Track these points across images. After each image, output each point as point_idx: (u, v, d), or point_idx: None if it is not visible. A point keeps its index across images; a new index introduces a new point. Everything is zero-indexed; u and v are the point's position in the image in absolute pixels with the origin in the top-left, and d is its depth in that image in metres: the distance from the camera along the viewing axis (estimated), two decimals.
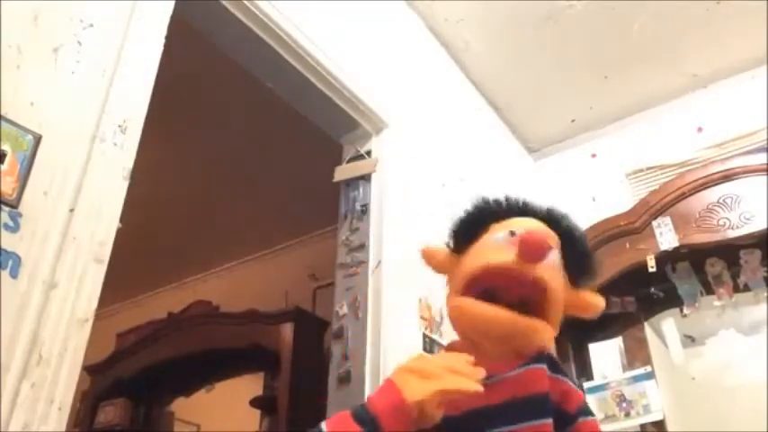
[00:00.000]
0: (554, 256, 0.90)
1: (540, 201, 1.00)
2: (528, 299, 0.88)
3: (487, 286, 0.88)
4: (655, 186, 2.51)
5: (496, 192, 1.02)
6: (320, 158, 2.15)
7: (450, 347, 0.96)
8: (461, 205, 1.01)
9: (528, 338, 0.87)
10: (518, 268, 0.86)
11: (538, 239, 0.87)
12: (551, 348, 0.92)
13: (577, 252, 0.95)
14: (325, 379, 1.80)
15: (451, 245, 0.98)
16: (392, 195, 2.00)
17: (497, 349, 0.87)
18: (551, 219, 0.97)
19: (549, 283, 0.87)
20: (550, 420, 0.85)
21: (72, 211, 1.10)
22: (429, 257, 0.99)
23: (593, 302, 0.94)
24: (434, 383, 0.76)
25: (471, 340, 0.90)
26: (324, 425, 0.77)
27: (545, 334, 0.88)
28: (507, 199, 1.00)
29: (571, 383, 0.93)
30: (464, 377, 0.76)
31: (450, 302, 0.93)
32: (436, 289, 1.60)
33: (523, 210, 0.98)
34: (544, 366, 0.88)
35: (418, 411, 0.75)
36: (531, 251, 0.86)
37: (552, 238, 0.92)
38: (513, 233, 0.90)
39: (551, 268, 0.89)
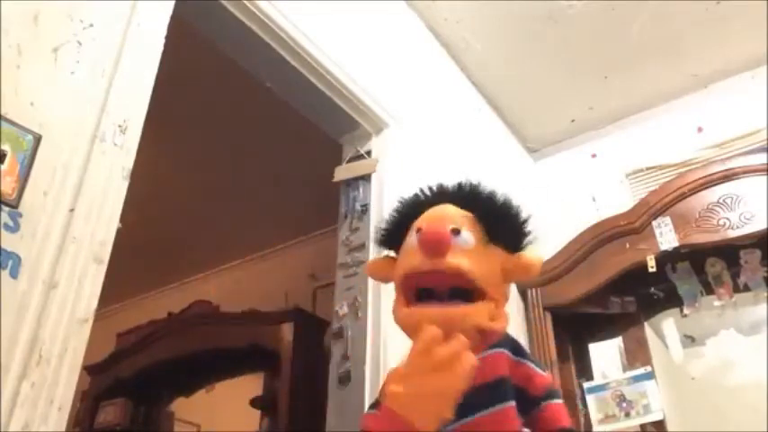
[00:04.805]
0: (464, 237, 0.89)
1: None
2: (458, 287, 0.87)
3: (419, 287, 0.89)
4: (655, 186, 2.50)
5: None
6: (320, 158, 2.15)
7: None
8: None
9: (463, 324, 0.84)
10: (430, 266, 0.86)
11: (433, 235, 0.87)
12: (504, 324, 0.91)
13: (501, 217, 0.95)
14: (326, 379, 1.80)
15: (388, 251, 0.98)
16: (392, 195, 1.99)
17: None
18: (463, 195, 0.97)
19: (463, 267, 0.86)
20: (513, 403, 0.86)
21: (72, 211, 1.10)
22: (372, 272, 1.00)
23: (531, 263, 0.92)
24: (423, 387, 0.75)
25: None
26: None
27: (477, 315, 0.86)
28: (422, 191, 1.01)
29: (536, 367, 0.93)
30: (453, 366, 0.75)
31: (393, 310, 0.93)
32: None
33: (436, 197, 0.98)
34: (503, 351, 0.89)
35: None
36: (431, 247, 0.87)
37: (453, 219, 0.91)
38: (419, 230, 0.90)
39: (463, 250, 0.87)
